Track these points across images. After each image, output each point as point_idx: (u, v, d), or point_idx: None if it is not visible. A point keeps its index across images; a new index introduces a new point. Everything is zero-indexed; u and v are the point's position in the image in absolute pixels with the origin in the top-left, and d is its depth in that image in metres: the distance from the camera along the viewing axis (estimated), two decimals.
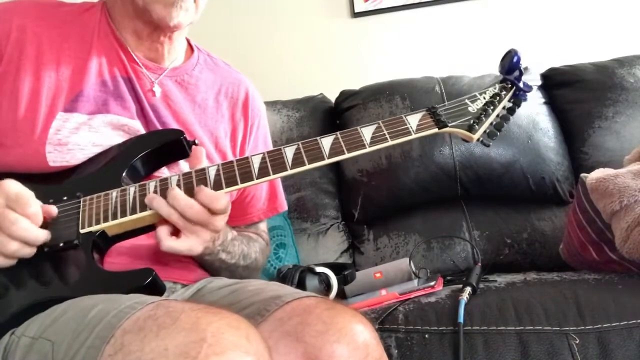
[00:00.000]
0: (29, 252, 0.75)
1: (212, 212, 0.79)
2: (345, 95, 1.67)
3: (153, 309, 0.60)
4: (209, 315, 0.58)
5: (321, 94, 1.74)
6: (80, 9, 0.95)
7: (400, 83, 1.62)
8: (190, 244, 0.80)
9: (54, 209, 0.79)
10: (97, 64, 0.91)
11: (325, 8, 1.94)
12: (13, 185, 0.75)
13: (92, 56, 0.91)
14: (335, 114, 1.68)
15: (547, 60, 1.71)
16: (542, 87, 1.63)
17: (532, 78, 1.64)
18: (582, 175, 1.19)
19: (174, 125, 0.95)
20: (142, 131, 0.92)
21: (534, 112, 1.55)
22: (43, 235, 0.75)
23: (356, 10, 1.92)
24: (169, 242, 0.79)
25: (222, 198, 0.79)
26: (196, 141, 0.92)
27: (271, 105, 1.66)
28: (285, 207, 1.14)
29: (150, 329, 0.57)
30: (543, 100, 1.60)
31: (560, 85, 1.62)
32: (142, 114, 0.93)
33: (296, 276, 1.11)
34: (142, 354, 0.54)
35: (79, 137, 0.87)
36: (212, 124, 1.00)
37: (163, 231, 0.80)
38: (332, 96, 1.72)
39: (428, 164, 1.50)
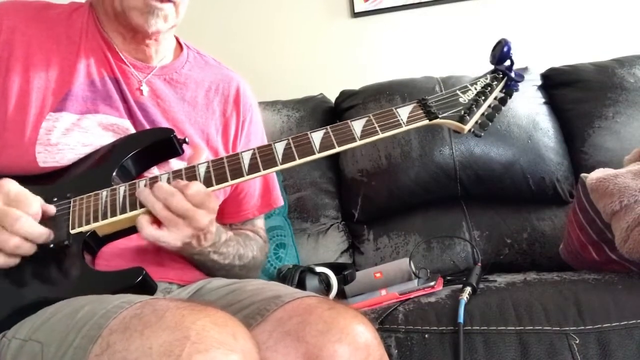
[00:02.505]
0: (29, 247, 0.74)
1: (192, 202, 0.78)
2: (345, 95, 1.67)
3: (139, 307, 0.60)
4: (195, 313, 0.58)
5: (321, 94, 1.74)
6: (69, 9, 0.96)
7: (400, 83, 1.62)
8: (169, 235, 0.78)
9: (52, 208, 0.79)
10: (85, 64, 0.92)
11: (325, 8, 1.94)
12: (12, 185, 0.75)
13: (81, 57, 0.92)
14: (335, 114, 1.68)
15: (547, 60, 1.71)
16: (542, 87, 1.63)
17: (532, 78, 1.64)
18: (582, 175, 1.19)
19: (163, 123, 0.95)
20: (132, 130, 0.92)
21: (534, 112, 1.55)
22: (46, 232, 0.75)
23: (356, 10, 1.91)
24: (149, 230, 0.78)
25: (194, 185, 0.78)
26: (187, 139, 0.92)
27: (271, 105, 1.66)
28: (281, 202, 1.14)
29: (135, 328, 0.56)
30: (543, 100, 1.60)
31: (560, 85, 1.62)
32: (130, 114, 0.93)
33: (296, 276, 1.11)
34: (127, 353, 0.54)
35: (69, 137, 0.87)
36: (203, 121, 1.00)
37: (144, 219, 0.78)
38: (332, 96, 1.72)
39: (428, 164, 1.50)
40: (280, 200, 1.14)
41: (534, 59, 1.68)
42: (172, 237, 0.79)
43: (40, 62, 0.89)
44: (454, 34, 1.90)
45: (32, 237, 0.74)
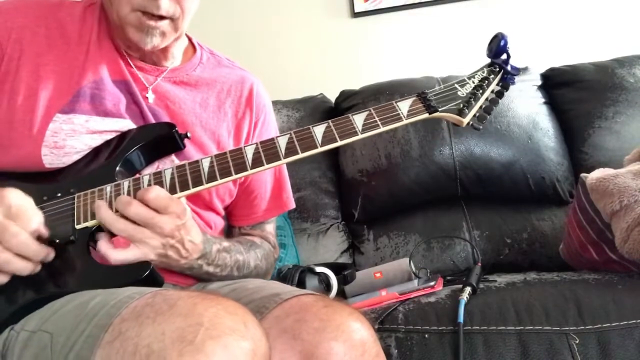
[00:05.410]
0: (23, 266, 0.73)
1: (153, 208, 0.76)
2: (345, 95, 1.67)
3: (150, 297, 0.61)
4: (206, 301, 0.58)
5: (321, 94, 1.74)
6: (82, 6, 0.94)
7: (400, 83, 1.62)
8: (139, 252, 0.77)
9: (45, 232, 0.76)
10: (95, 66, 0.90)
11: (325, 8, 1.94)
12: (14, 197, 0.74)
13: (90, 58, 0.90)
14: (336, 114, 1.66)
15: (547, 60, 1.72)
16: (542, 87, 1.63)
17: (532, 78, 1.64)
18: (582, 175, 1.19)
19: None
20: None
21: (534, 112, 1.55)
22: (43, 252, 0.74)
23: (356, 10, 1.92)
24: (117, 255, 0.75)
25: (154, 189, 0.77)
26: (188, 134, 0.92)
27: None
28: (293, 205, 1.12)
29: (148, 315, 0.57)
30: (543, 100, 1.60)
31: (560, 85, 1.62)
32: (140, 117, 0.92)
33: (296, 276, 1.11)
34: (140, 339, 0.55)
35: (76, 140, 0.86)
36: (214, 124, 0.98)
37: (104, 245, 0.76)
38: (332, 96, 1.72)
39: (428, 164, 1.50)
40: (291, 202, 1.11)
41: (534, 59, 1.68)
42: (142, 252, 0.77)
43: (49, 62, 0.88)
44: (454, 34, 1.91)
45: (27, 255, 0.73)
